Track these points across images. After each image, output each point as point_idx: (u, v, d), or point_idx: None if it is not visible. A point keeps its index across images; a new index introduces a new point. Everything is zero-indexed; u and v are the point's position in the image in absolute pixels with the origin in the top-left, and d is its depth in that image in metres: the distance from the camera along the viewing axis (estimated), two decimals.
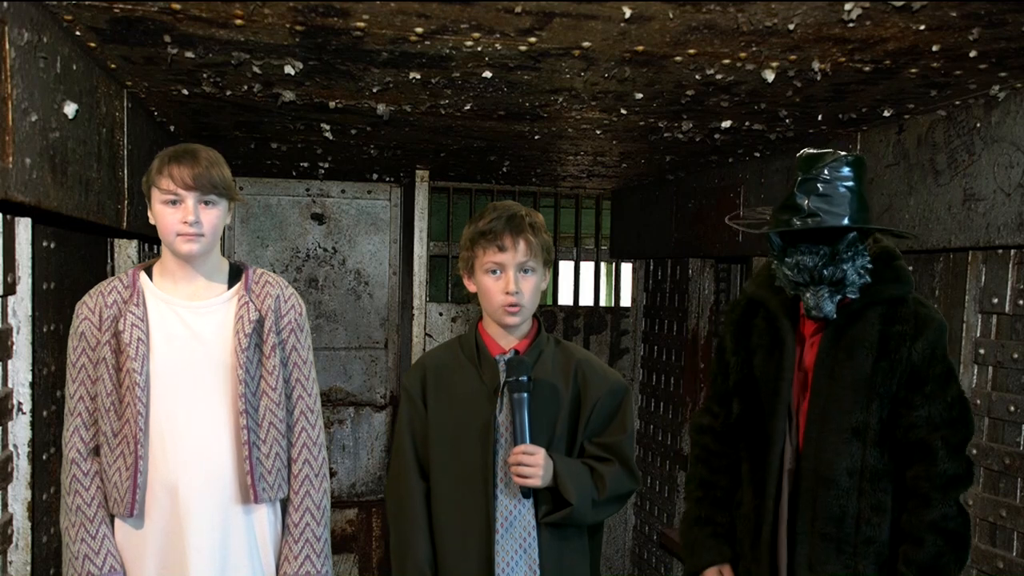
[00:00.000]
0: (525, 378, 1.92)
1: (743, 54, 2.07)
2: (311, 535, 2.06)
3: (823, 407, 1.95)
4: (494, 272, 1.96)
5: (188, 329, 1.98)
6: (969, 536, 1.92)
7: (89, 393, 1.95)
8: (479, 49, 2.07)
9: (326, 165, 4.34)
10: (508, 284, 1.95)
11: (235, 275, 2.06)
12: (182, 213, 1.90)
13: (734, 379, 2.13)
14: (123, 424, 1.93)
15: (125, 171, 2.56)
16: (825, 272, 1.89)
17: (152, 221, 1.96)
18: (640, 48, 2.04)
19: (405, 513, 2.00)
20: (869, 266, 1.93)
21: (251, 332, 1.98)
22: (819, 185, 1.87)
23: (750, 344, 2.09)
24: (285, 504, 2.09)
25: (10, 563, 1.89)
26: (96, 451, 1.97)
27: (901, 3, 1.69)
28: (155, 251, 3.25)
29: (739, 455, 2.13)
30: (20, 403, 1.90)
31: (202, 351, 1.98)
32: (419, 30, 1.93)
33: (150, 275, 2.01)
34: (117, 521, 1.98)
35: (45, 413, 2.07)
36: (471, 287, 2.03)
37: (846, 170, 1.88)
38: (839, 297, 1.92)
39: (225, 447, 1.98)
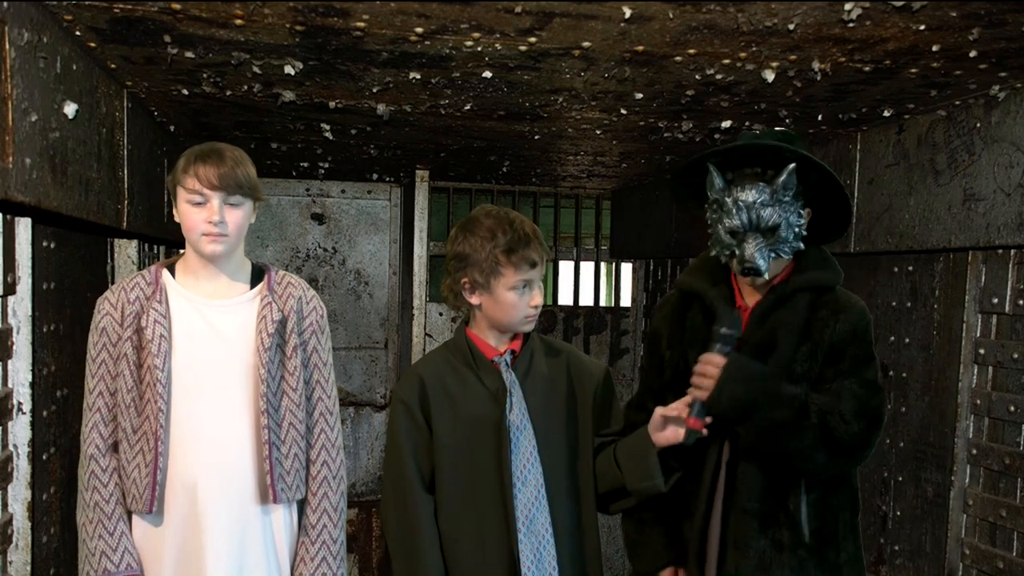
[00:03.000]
0: (736, 331, 1.91)
1: (743, 54, 2.07)
2: (328, 537, 2.06)
3: None
4: (522, 287, 1.97)
5: (210, 327, 1.98)
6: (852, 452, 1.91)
7: (109, 389, 1.95)
8: (479, 49, 2.07)
9: (326, 165, 4.34)
10: (535, 298, 1.99)
11: (257, 275, 2.07)
12: (207, 213, 1.90)
13: (669, 373, 2.10)
14: (143, 420, 1.93)
15: (125, 171, 2.56)
16: (763, 213, 1.89)
17: (177, 219, 1.96)
18: (640, 48, 2.04)
19: (412, 528, 1.98)
20: (802, 231, 1.94)
21: (274, 332, 1.98)
22: (758, 135, 1.99)
23: (684, 338, 2.08)
24: (301, 505, 2.09)
25: (10, 563, 1.88)
26: (115, 447, 1.97)
27: (901, 3, 1.70)
28: (155, 251, 3.25)
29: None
30: (20, 403, 1.90)
31: (224, 349, 1.98)
32: (419, 30, 1.93)
33: (172, 273, 2.02)
34: (135, 518, 1.98)
35: (45, 413, 2.07)
36: (476, 300, 2.01)
37: (780, 134, 1.98)
38: (772, 255, 1.92)
39: (245, 446, 1.98)
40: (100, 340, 1.96)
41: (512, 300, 1.97)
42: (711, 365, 1.86)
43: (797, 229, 1.94)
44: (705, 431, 1.89)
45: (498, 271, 1.95)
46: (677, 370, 2.08)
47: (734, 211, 1.92)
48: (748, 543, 1.94)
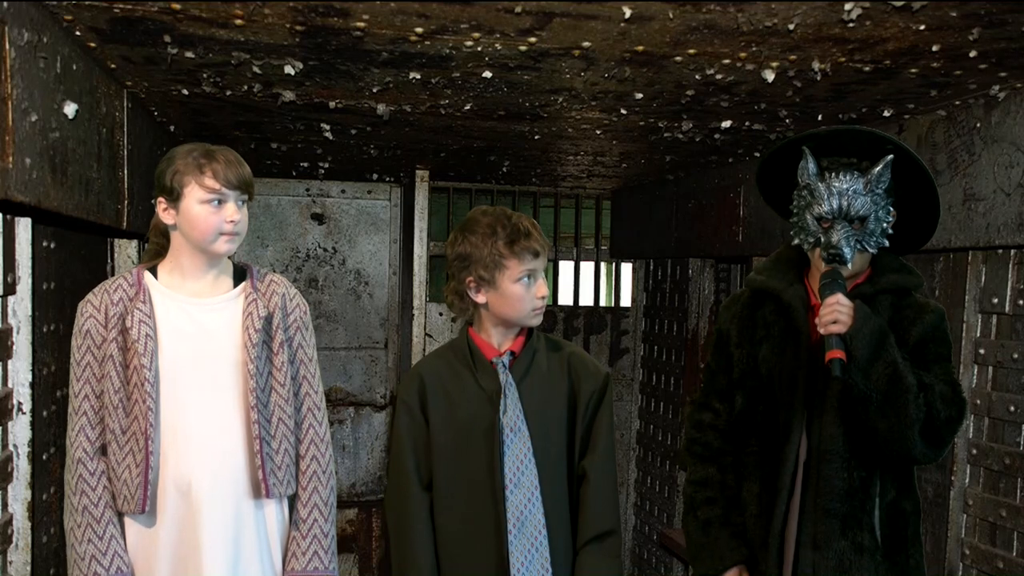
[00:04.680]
0: (841, 280, 1.92)
1: (743, 54, 2.07)
2: (319, 531, 2.08)
3: (826, 384, 1.94)
4: (527, 279, 1.98)
5: (197, 326, 1.98)
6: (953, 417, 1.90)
7: (95, 391, 1.95)
8: (479, 49, 2.07)
9: (326, 165, 4.34)
10: (541, 288, 2.01)
11: (239, 274, 2.08)
12: (227, 212, 1.92)
13: (738, 372, 2.10)
14: (131, 421, 1.93)
15: (125, 171, 2.56)
16: (855, 202, 1.89)
17: (170, 221, 1.95)
18: (640, 48, 2.04)
19: (406, 524, 2.01)
20: (888, 229, 1.94)
21: (261, 329, 1.99)
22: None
23: (755, 336, 2.07)
24: (292, 501, 2.11)
25: (10, 563, 1.88)
26: (103, 450, 1.96)
27: (901, 3, 1.70)
28: None
29: (743, 451, 2.11)
30: (20, 403, 1.90)
31: (212, 347, 1.98)
32: (419, 30, 1.93)
33: (154, 274, 2.02)
34: (127, 519, 1.98)
35: (45, 413, 2.07)
36: (480, 299, 2.01)
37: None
38: (858, 246, 1.92)
39: (236, 442, 1.99)
40: (84, 343, 1.95)
41: (519, 292, 1.98)
42: (842, 305, 1.85)
43: (885, 225, 1.94)
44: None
45: (502, 264, 1.97)
46: (746, 368, 2.08)
47: (825, 196, 1.91)
48: (829, 544, 1.94)
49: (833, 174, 1.92)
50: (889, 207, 1.94)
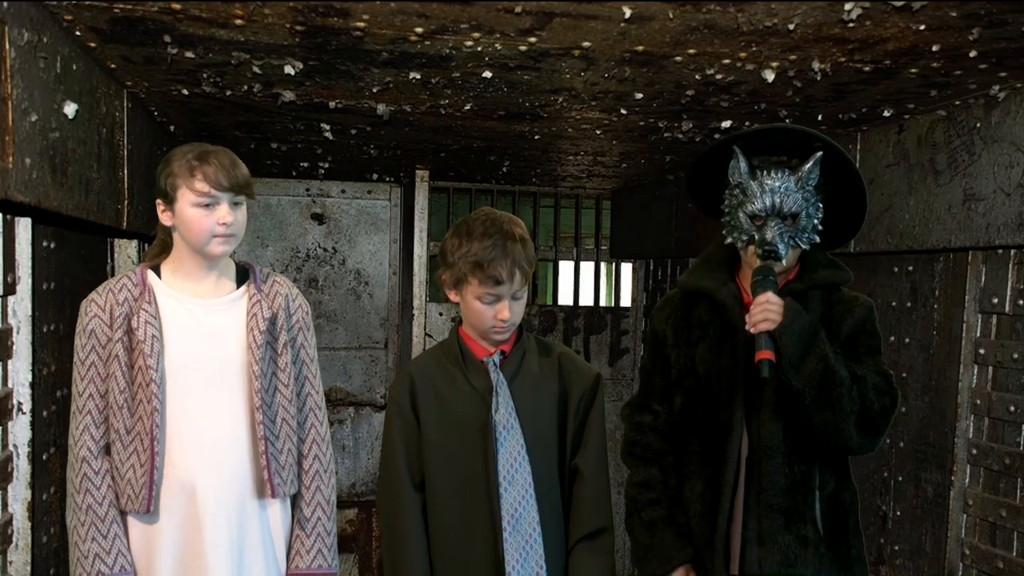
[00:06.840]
0: (772, 277, 1.95)
1: (743, 54, 2.07)
2: (322, 529, 2.10)
3: (764, 381, 1.95)
4: (489, 300, 1.95)
5: (201, 326, 1.99)
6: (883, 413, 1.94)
7: (99, 391, 1.95)
8: (479, 49, 2.07)
9: (326, 165, 4.34)
10: (502, 312, 1.95)
11: (242, 274, 2.09)
12: (219, 215, 1.92)
13: (675, 373, 2.11)
14: (136, 421, 1.93)
15: (125, 171, 2.56)
16: (787, 199, 1.92)
17: (168, 222, 1.96)
18: (640, 48, 2.04)
19: (398, 525, 2.01)
20: (819, 225, 1.97)
21: (265, 329, 2.00)
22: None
23: (691, 337, 2.09)
24: (294, 500, 2.12)
25: (10, 563, 1.88)
26: (107, 449, 1.97)
27: (901, 3, 1.70)
28: None
29: (683, 451, 2.11)
30: (20, 403, 1.90)
31: (216, 348, 1.99)
32: (419, 30, 1.93)
33: (157, 273, 2.02)
34: (131, 519, 1.98)
35: (45, 413, 2.07)
36: (454, 298, 2.02)
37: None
38: (791, 243, 1.95)
39: (241, 443, 1.99)
40: (89, 342, 1.95)
41: (479, 309, 1.96)
42: (771, 303, 1.88)
43: (816, 221, 1.97)
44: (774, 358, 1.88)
45: (465, 279, 1.96)
46: (684, 369, 2.09)
47: (758, 194, 1.93)
48: (774, 539, 1.95)
49: (765, 172, 1.95)
50: (819, 203, 1.97)
